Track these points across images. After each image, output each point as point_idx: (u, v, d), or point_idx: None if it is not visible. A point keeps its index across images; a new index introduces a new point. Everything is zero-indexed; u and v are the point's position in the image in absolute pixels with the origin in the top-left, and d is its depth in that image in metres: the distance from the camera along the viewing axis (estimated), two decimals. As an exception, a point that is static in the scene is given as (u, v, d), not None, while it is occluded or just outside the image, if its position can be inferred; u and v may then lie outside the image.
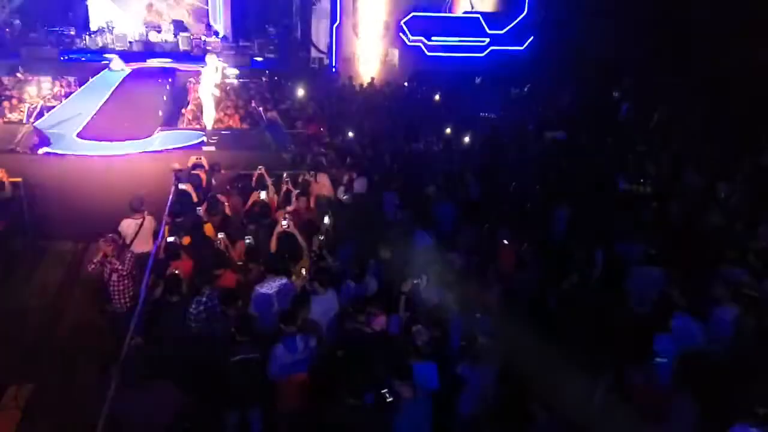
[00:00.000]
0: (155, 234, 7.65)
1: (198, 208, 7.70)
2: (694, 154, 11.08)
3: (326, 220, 7.44)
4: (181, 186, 8.39)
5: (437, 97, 17.47)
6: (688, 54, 16.09)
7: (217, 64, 11.86)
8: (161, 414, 4.19)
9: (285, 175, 8.77)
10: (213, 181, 8.92)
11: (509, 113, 16.09)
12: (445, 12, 22.44)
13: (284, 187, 8.52)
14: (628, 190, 9.50)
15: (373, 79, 19.82)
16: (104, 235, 6.65)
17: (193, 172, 9.05)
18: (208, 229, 7.21)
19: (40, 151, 10.35)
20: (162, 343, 5.27)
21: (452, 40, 21.85)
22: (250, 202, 7.98)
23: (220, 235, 6.81)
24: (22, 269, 8.95)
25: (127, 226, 7.35)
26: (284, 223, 6.78)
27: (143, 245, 7.43)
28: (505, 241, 7.14)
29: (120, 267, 6.52)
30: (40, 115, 12.98)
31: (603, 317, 6.02)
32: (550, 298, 6.30)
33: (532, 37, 22.16)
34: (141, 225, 7.45)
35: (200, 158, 9.46)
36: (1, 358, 6.83)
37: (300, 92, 16.60)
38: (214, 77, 11.77)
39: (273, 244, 6.77)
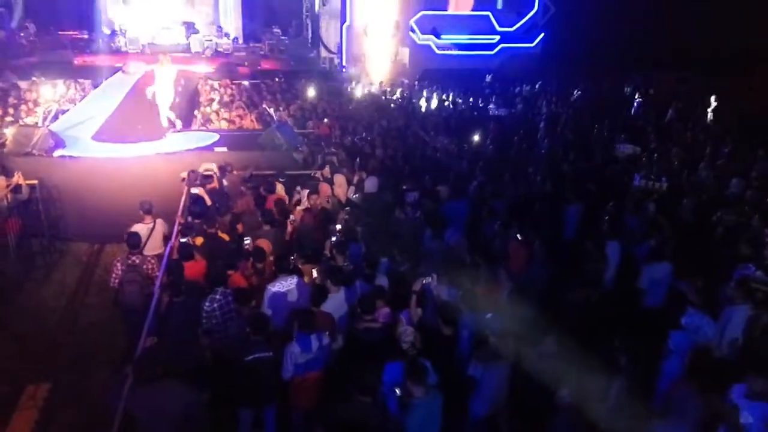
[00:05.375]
0: (167, 236, 7.71)
1: (210, 210, 7.77)
2: (707, 150, 10.97)
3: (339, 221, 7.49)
4: (194, 190, 8.47)
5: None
6: (703, 49, 15.94)
7: (171, 66, 12.13)
8: (176, 412, 4.24)
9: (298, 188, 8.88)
10: (225, 182, 8.97)
11: (520, 110, 16.04)
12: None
13: (296, 197, 8.61)
14: (643, 187, 9.43)
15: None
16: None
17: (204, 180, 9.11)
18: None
19: (56, 153, 10.48)
20: (176, 341, 5.33)
21: (462, 39, 21.81)
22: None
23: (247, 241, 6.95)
24: (39, 270, 9.09)
25: (138, 230, 7.41)
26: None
27: (155, 248, 7.49)
28: (519, 236, 7.12)
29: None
30: (56, 118, 13.17)
31: (616, 313, 6.00)
32: (561, 296, 6.28)
33: (542, 34, 22.05)
34: (152, 229, 7.49)
35: (210, 170, 9.42)
36: (18, 357, 6.96)
37: (310, 92, 16.66)
38: (170, 77, 12.04)
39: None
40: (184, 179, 9.03)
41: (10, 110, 13.62)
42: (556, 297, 6.24)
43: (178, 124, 12.19)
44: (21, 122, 12.78)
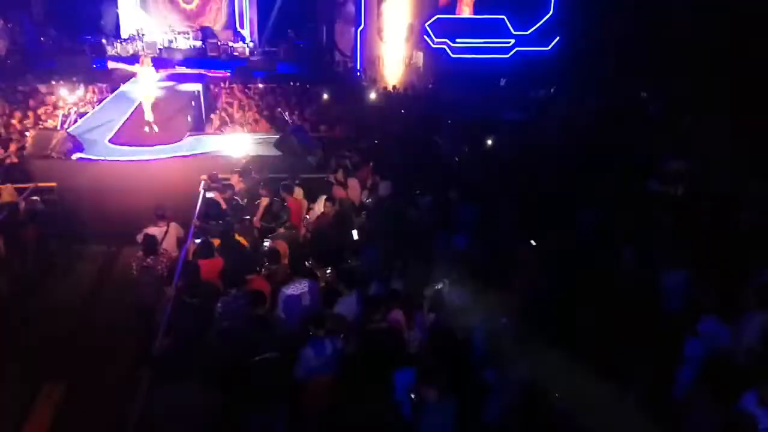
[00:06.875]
0: (182, 239, 7.77)
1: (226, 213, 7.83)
2: (726, 153, 10.82)
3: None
4: (209, 195, 8.54)
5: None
6: (717, 51, 15.73)
7: (152, 72, 12.27)
8: (191, 412, 4.28)
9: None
10: (243, 186, 9.01)
11: (534, 115, 15.96)
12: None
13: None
14: (660, 191, 9.34)
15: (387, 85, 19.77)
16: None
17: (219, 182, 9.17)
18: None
19: (74, 156, 10.64)
20: (191, 342, 5.38)
21: (477, 42, 21.74)
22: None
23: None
24: (57, 271, 9.22)
25: (152, 233, 7.45)
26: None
27: (169, 251, 7.54)
28: (533, 242, 7.09)
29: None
30: (74, 121, 13.37)
31: (632, 321, 5.95)
32: (574, 303, 6.23)
33: (558, 38, 21.93)
34: (166, 232, 7.55)
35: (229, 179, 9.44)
36: (36, 357, 7.06)
37: (325, 96, 16.74)
38: (151, 80, 12.16)
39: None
40: (203, 180, 9.13)
41: (30, 113, 13.86)
42: (569, 303, 6.20)
43: (155, 128, 12.32)
44: (40, 125, 13.00)
